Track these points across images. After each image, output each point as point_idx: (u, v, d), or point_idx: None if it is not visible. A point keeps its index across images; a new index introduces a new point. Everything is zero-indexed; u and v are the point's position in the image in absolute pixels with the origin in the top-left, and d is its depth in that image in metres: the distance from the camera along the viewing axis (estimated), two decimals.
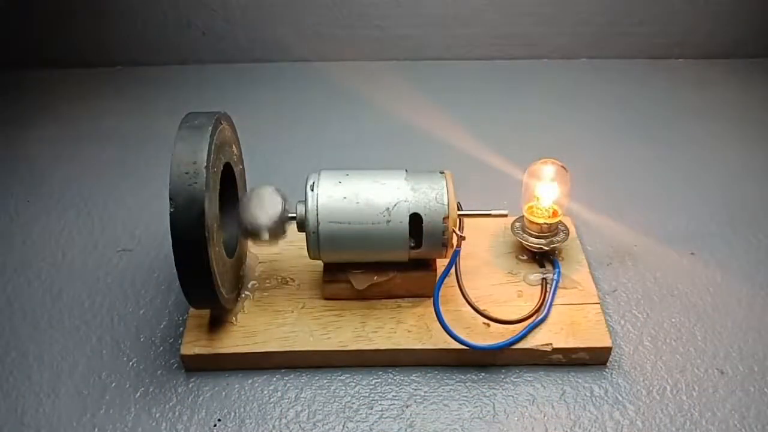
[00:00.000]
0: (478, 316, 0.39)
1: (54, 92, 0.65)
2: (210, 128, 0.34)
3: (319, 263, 0.42)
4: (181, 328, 0.41)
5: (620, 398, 0.38)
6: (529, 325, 0.39)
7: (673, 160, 0.58)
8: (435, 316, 0.38)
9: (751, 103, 0.66)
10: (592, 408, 0.37)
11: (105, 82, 0.67)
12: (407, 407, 0.37)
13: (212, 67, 0.69)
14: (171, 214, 0.32)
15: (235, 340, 0.39)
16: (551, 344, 0.38)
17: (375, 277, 0.40)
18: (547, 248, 0.43)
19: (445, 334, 0.38)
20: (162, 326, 0.42)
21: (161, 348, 0.41)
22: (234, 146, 0.40)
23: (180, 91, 0.66)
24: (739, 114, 0.64)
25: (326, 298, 0.41)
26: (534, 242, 0.43)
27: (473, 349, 0.38)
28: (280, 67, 0.69)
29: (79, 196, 0.47)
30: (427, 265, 0.41)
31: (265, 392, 0.38)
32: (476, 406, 0.38)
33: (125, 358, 0.40)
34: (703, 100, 0.66)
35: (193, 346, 0.38)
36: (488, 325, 0.40)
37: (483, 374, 0.39)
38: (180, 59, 0.69)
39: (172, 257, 0.33)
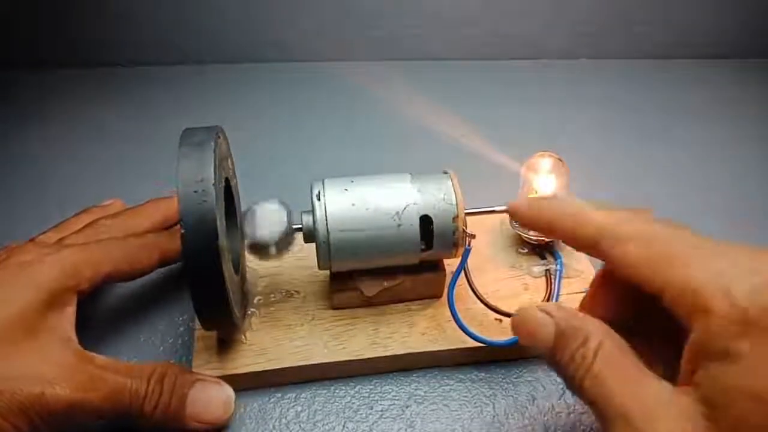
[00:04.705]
0: (489, 312, 0.39)
1: (54, 92, 0.65)
2: (212, 143, 0.33)
3: (322, 273, 0.41)
4: (181, 328, 0.41)
5: None
6: None
7: (672, 160, 0.58)
8: (447, 316, 0.38)
9: (751, 103, 0.66)
10: None
11: (105, 82, 0.67)
12: (407, 407, 0.37)
13: (212, 67, 0.69)
14: (183, 235, 0.31)
15: (247, 359, 0.38)
16: None
17: (385, 283, 0.40)
18: (547, 239, 0.43)
19: (460, 333, 0.38)
20: (162, 326, 0.42)
21: (161, 348, 0.41)
22: (229, 160, 0.39)
23: (180, 91, 0.66)
24: (739, 114, 0.64)
25: (335, 308, 0.41)
26: (533, 234, 0.44)
27: (491, 345, 0.38)
28: (280, 67, 0.69)
29: (80, 196, 0.47)
30: (436, 266, 0.41)
31: (265, 392, 0.38)
32: (476, 406, 0.38)
33: (125, 358, 0.40)
34: (703, 100, 0.66)
35: (205, 368, 0.37)
36: (500, 320, 0.40)
37: (483, 374, 0.39)
38: (180, 59, 0.69)
39: None
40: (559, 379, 0.38)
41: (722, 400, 0.23)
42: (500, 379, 0.39)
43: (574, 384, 0.27)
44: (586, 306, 0.32)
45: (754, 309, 0.23)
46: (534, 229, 0.42)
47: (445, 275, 0.41)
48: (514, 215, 0.36)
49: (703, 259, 0.25)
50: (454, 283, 0.38)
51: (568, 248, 0.44)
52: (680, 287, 0.25)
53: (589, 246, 0.30)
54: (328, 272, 0.41)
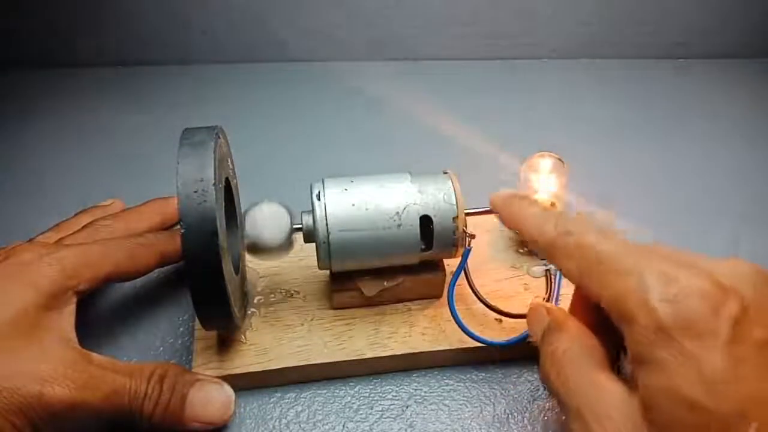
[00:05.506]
0: (489, 312, 0.39)
1: (54, 92, 0.65)
2: (212, 144, 0.33)
3: (322, 273, 0.41)
4: (181, 328, 0.41)
5: None
6: None
7: (673, 160, 0.58)
8: (447, 316, 0.38)
9: (751, 103, 0.66)
10: None
11: (105, 82, 0.67)
12: (407, 407, 0.37)
13: (212, 67, 0.69)
14: (183, 235, 0.31)
15: (247, 359, 0.38)
16: None
17: (385, 283, 0.40)
18: None
19: (460, 333, 0.38)
20: (162, 326, 0.42)
21: (161, 348, 0.41)
22: (229, 160, 0.39)
23: (180, 91, 0.66)
24: (739, 114, 0.64)
25: (335, 308, 0.41)
26: None
27: (491, 345, 0.38)
28: (280, 67, 0.69)
29: (80, 196, 0.47)
30: (436, 266, 0.41)
31: (265, 392, 0.38)
32: (476, 406, 0.38)
33: (125, 358, 0.40)
34: (704, 100, 0.66)
35: (205, 368, 0.37)
36: (500, 320, 0.40)
37: (483, 374, 0.39)
38: (180, 59, 0.69)
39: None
40: None
41: (655, 403, 0.25)
42: (500, 379, 0.39)
43: (544, 375, 0.30)
44: (572, 308, 0.34)
45: (669, 318, 0.24)
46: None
47: (444, 275, 0.41)
48: (492, 207, 0.38)
49: (628, 269, 0.27)
50: (454, 283, 0.38)
51: None
52: (609, 297, 0.27)
53: (545, 257, 0.32)
54: (328, 272, 0.41)
